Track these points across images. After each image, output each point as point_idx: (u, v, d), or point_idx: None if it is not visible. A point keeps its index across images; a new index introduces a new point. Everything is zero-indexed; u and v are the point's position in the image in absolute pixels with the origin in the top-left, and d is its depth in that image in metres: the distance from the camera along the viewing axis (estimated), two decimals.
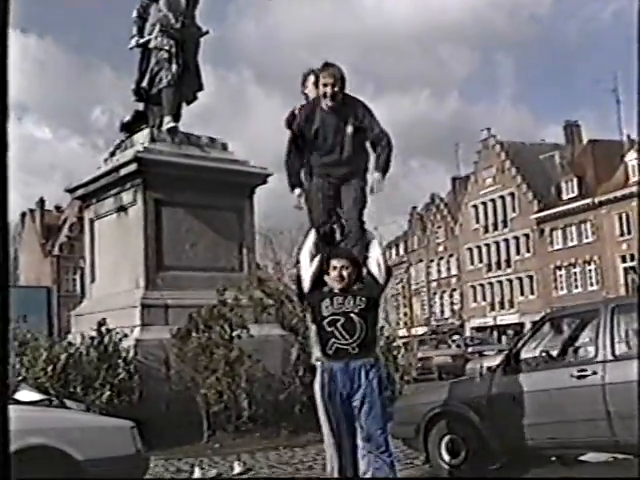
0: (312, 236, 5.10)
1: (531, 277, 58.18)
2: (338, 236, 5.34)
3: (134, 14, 10.54)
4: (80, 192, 10.97)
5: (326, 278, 4.70)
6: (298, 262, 5.16)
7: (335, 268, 4.61)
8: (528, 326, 49.75)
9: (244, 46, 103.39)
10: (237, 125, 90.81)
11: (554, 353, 6.71)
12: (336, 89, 5.27)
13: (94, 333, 8.47)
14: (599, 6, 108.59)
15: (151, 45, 10.20)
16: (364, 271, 4.80)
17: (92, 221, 10.81)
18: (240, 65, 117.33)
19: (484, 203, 62.91)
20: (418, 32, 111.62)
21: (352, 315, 4.54)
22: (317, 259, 4.90)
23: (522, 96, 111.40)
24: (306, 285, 4.79)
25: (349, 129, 5.34)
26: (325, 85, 5.28)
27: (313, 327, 4.96)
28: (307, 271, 4.85)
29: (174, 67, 10.02)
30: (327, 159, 5.38)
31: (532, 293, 57.55)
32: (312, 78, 5.95)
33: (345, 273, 4.60)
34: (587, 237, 53.01)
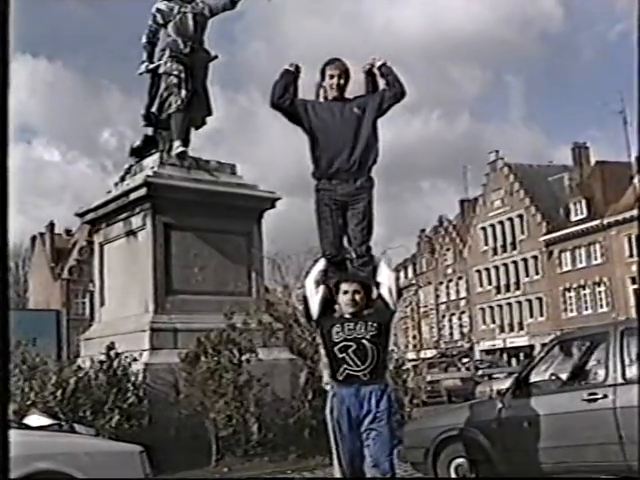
0: (321, 263, 5.09)
1: (540, 299, 57.94)
2: (348, 261, 5.34)
3: (143, 39, 10.63)
4: (90, 216, 11.00)
5: (337, 303, 4.67)
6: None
7: (346, 292, 4.58)
8: (538, 348, 49.50)
9: (253, 67, 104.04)
10: (246, 147, 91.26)
11: (564, 376, 6.67)
12: (342, 81, 5.37)
13: (103, 357, 8.47)
14: (607, 26, 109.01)
15: (161, 70, 10.28)
16: (374, 295, 4.77)
17: (102, 245, 10.85)
18: (249, 86, 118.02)
19: (493, 225, 62.83)
20: (429, 51, 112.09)
21: (364, 341, 4.50)
22: (324, 284, 4.88)
23: (532, 116, 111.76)
24: (315, 311, 4.76)
25: (356, 110, 5.36)
26: (332, 77, 5.36)
27: (322, 351, 4.94)
28: (313, 297, 4.83)
29: (183, 92, 10.10)
30: (336, 164, 5.34)
31: (542, 315, 57.29)
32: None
33: (357, 297, 4.56)
34: (596, 259, 52.79)
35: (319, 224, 5.32)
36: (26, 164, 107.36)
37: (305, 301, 5.02)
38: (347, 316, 4.56)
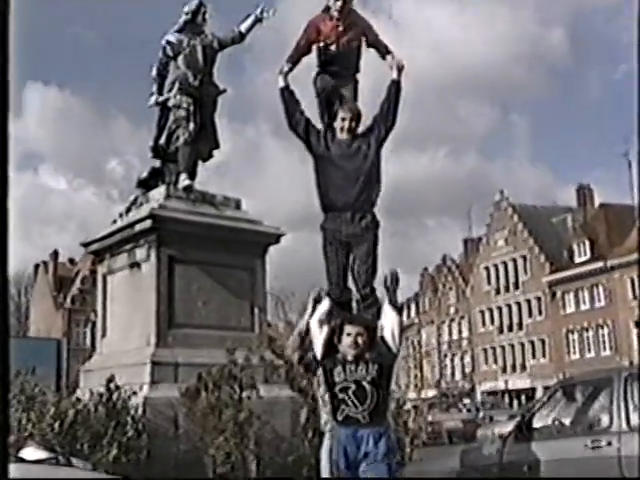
0: (326, 303, 5.09)
1: (543, 341, 57.73)
2: (352, 302, 5.37)
3: (153, 72, 10.71)
4: (95, 247, 10.98)
5: (339, 344, 4.66)
6: (307, 330, 5.13)
7: (349, 334, 4.58)
8: (540, 391, 49.13)
9: (262, 98, 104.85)
10: (252, 179, 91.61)
11: (567, 421, 6.62)
12: (353, 124, 5.57)
13: (103, 389, 8.41)
14: (612, 66, 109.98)
15: (170, 103, 10.34)
16: (378, 337, 4.77)
17: (105, 276, 10.83)
18: (257, 118, 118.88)
19: (496, 265, 62.80)
20: (437, 87, 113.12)
21: (364, 383, 4.49)
22: (328, 325, 4.88)
23: (538, 155, 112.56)
24: (318, 351, 4.76)
25: (363, 147, 5.58)
26: (343, 119, 5.58)
27: (321, 391, 4.92)
28: (317, 337, 4.82)
29: (191, 125, 10.15)
30: (342, 199, 5.46)
31: (544, 357, 57.02)
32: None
33: (360, 340, 4.56)
34: (600, 301, 52.69)
35: (325, 264, 5.37)
36: (32, 191, 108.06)
37: (301, 341, 5.01)
38: (349, 358, 4.55)
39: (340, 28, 6.47)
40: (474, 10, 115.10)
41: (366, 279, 5.23)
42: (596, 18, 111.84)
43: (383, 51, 6.46)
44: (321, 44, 6.53)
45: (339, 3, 6.33)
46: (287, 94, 5.85)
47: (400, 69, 5.97)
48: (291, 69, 6.28)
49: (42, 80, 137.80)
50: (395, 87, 5.88)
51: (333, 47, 6.51)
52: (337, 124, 5.66)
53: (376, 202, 5.53)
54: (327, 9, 6.48)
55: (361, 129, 5.75)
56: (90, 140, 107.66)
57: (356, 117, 5.66)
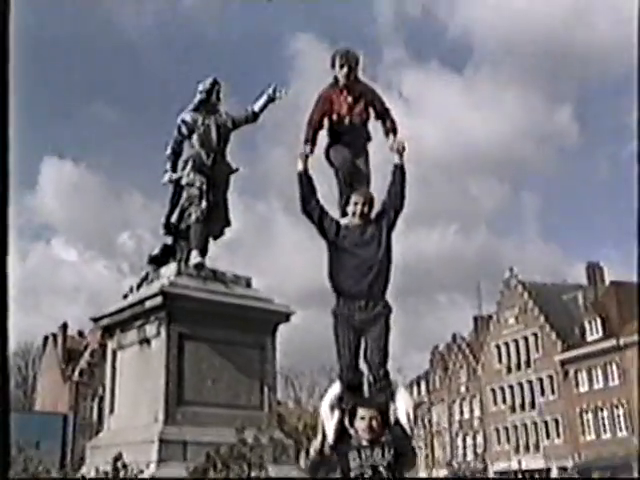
0: (337, 387, 5.06)
1: (557, 420, 56.75)
2: (365, 385, 5.34)
3: (168, 150, 10.91)
4: (105, 321, 10.99)
5: (353, 428, 4.60)
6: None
7: (363, 418, 4.52)
8: (555, 472, 48.02)
9: (274, 174, 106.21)
10: (263, 255, 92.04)
11: None
12: (366, 209, 5.62)
13: (109, 468, 8.30)
14: (620, 145, 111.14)
15: (183, 182, 10.49)
16: (392, 420, 4.72)
17: (115, 351, 10.81)
18: (269, 194, 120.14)
19: (507, 343, 62.28)
20: (446, 164, 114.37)
21: (381, 469, 4.43)
22: (339, 409, 4.84)
23: (548, 232, 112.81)
24: (330, 436, 4.70)
25: (376, 233, 5.63)
26: (356, 204, 5.64)
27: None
28: (329, 422, 4.77)
29: (204, 204, 10.27)
30: (355, 286, 5.48)
31: (558, 437, 55.93)
32: (338, 60, 6.58)
33: (374, 424, 4.50)
34: (614, 380, 51.95)
35: (337, 347, 5.35)
36: (43, 262, 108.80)
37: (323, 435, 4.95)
38: (364, 442, 4.49)
39: (349, 99, 6.60)
40: (483, 88, 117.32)
41: (379, 362, 5.21)
42: (603, 97, 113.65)
43: (388, 128, 6.56)
44: (333, 117, 6.64)
45: (345, 70, 6.48)
46: (305, 179, 5.91)
47: (401, 152, 6.05)
48: (312, 151, 6.36)
49: (58, 154, 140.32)
50: (399, 171, 5.95)
51: (346, 120, 6.63)
52: (350, 209, 5.74)
53: (386, 289, 5.55)
54: (336, 81, 6.63)
55: (373, 213, 5.81)
56: (103, 213, 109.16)
57: (369, 202, 5.74)
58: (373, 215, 5.79)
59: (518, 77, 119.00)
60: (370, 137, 6.89)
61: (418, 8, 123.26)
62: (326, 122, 6.67)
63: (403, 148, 6.11)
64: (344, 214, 5.98)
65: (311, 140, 6.45)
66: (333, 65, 6.61)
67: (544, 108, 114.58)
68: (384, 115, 6.66)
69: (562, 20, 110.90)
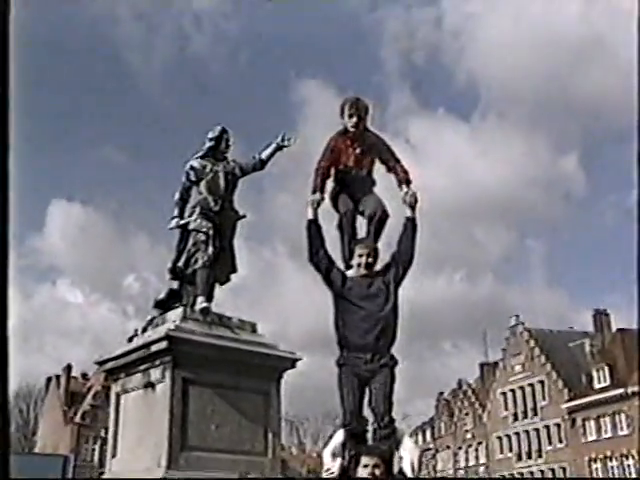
0: (340, 434, 5.09)
1: (564, 469, 56.05)
2: (369, 432, 5.36)
3: (176, 196, 11.02)
4: (109, 365, 10.95)
5: (356, 476, 4.62)
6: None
7: (366, 466, 4.53)
8: None
9: (279, 220, 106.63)
10: (267, 300, 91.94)
11: None
12: (370, 259, 5.65)
13: None
14: (625, 192, 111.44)
15: (190, 227, 10.59)
16: (396, 469, 4.73)
17: (118, 395, 10.79)
18: (274, 239, 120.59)
19: (513, 390, 61.82)
20: (453, 210, 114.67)
21: None
22: (341, 457, 4.85)
23: (555, 279, 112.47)
24: None
25: (382, 286, 5.65)
26: (360, 256, 5.67)
27: None
28: (332, 469, 4.79)
29: (210, 249, 10.35)
30: (361, 340, 5.52)
31: None
32: (347, 109, 6.55)
33: (377, 472, 4.51)
34: (622, 429, 51.41)
35: (340, 395, 5.38)
36: (49, 303, 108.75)
37: None
38: None
39: (358, 151, 6.61)
40: (489, 135, 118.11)
41: (383, 409, 5.23)
42: (607, 146, 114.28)
43: (401, 179, 6.51)
44: (340, 167, 6.67)
45: (354, 119, 6.51)
46: (314, 228, 5.93)
47: (413, 205, 6.06)
48: (322, 199, 6.37)
49: (66, 197, 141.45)
50: (411, 224, 5.97)
51: (353, 172, 6.66)
52: (354, 261, 5.80)
53: (393, 342, 5.57)
54: (345, 130, 6.66)
55: (380, 265, 5.86)
56: (109, 255, 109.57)
57: (373, 253, 5.79)
58: (381, 267, 5.84)
59: (524, 125, 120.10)
60: (375, 183, 6.94)
61: (424, 56, 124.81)
62: (333, 171, 6.72)
63: (415, 200, 6.09)
64: (348, 266, 6.03)
65: (320, 189, 6.47)
66: (342, 114, 6.63)
67: (550, 156, 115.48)
68: (395, 167, 6.64)
69: (566, 70, 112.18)
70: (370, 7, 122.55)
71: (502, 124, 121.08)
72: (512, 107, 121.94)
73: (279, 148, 10.74)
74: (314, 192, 6.31)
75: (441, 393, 72.95)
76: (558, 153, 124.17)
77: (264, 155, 10.85)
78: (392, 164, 6.61)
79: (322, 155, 6.66)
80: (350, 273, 5.82)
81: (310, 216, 5.98)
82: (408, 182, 6.40)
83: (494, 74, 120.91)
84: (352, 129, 6.55)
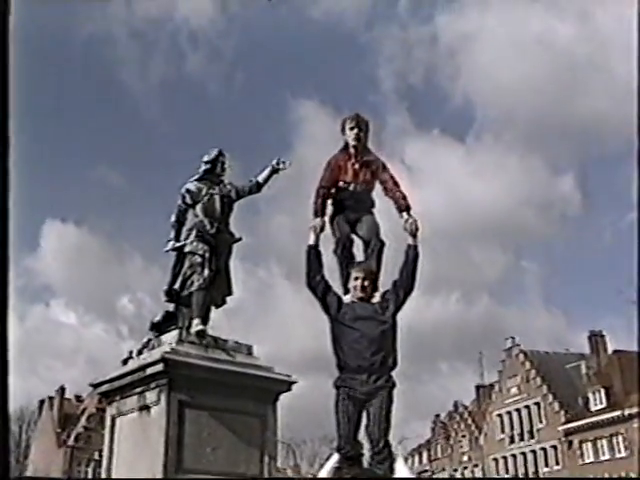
0: (335, 458, 5.13)
1: None
2: (364, 456, 5.40)
3: (172, 218, 11.10)
4: (104, 387, 10.93)
5: None
6: None
7: None
8: None
9: (275, 240, 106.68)
10: (263, 321, 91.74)
11: None
12: (366, 282, 5.70)
13: None
14: (622, 213, 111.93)
15: (186, 249, 10.65)
16: None
17: (113, 418, 10.78)
18: (270, 260, 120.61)
19: (509, 412, 61.70)
20: (448, 231, 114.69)
21: None
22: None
23: (551, 301, 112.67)
24: None
25: (379, 310, 5.70)
26: (356, 279, 5.74)
27: None
28: None
29: (206, 272, 10.40)
30: (358, 362, 5.56)
31: None
32: (348, 123, 6.62)
33: None
34: (620, 452, 51.25)
35: (336, 418, 5.42)
36: (42, 324, 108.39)
37: None
38: None
39: (357, 166, 6.65)
40: (484, 156, 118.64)
41: (379, 434, 5.25)
42: (603, 166, 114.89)
43: (400, 205, 6.53)
44: (340, 184, 6.71)
45: (355, 131, 6.58)
46: (314, 253, 5.99)
47: (414, 233, 6.10)
48: (324, 223, 6.40)
49: (61, 218, 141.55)
50: (412, 252, 6.02)
51: (350, 187, 6.68)
52: (350, 284, 5.86)
53: (394, 367, 5.60)
54: (346, 146, 6.73)
55: (380, 290, 5.92)
56: (103, 276, 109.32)
57: (369, 276, 5.86)
58: (381, 292, 5.90)
59: (519, 145, 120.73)
60: (374, 204, 6.97)
61: (419, 77, 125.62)
62: (334, 190, 6.76)
63: (417, 228, 6.12)
64: (346, 290, 6.10)
65: (321, 212, 6.48)
66: (343, 129, 6.73)
67: (546, 176, 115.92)
68: (394, 192, 6.66)
69: (563, 89, 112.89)
70: (366, 26, 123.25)
71: (498, 144, 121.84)
72: (508, 127, 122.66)
73: (275, 171, 10.84)
74: (315, 215, 6.33)
75: (437, 415, 72.77)
76: (554, 173, 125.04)
77: (260, 178, 10.95)
78: (390, 187, 6.63)
79: (322, 176, 6.70)
80: (347, 297, 5.90)
81: (311, 242, 6.03)
82: (408, 209, 6.41)
83: (490, 94, 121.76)
84: (354, 142, 6.62)
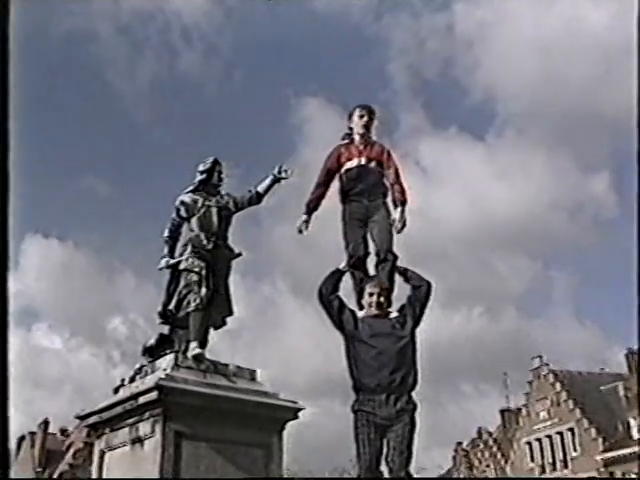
0: None
1: None
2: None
3: (165, 233, 11.23)
4: (93, 419, 10.95)
5: None
6: None
7: None
8: None
9: (279, 253, 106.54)
10: (267, 342, 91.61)
11: None
12: (382, 299, 5.85)
13: None
14: None
15: (181, 267, 10.74)
16: None
17: (103, 453, 10.80)
18: (274, 274, 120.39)
19: (539, 440, 61.29)
20: (469, 239, 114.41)
21: None
22: None
23: (584, 314, 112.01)
24: None
25: (397, 326, 5.84)
26: (371, 295, 5.89)
27: None
28: None
29: (203, 290, 10.48)
30: (376, 381, 5.68)
31: None
32: (357, 112, 6.94)
33: None
34: None
35: (356, 446, 5.53)
36: (23, 351, 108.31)
37: None
38: None
39: (361, 147, 6.89)
40: (506, 155, 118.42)
41: (400, 462, 5.36)
42: None
43: (396, 198, 6.93)
44: (342, 170, 6.96)
45: (365, 119, 6.87)
46: (337, 274, 6.23)
47: (399, 230, 6.35)
48: (309, 220, 6.72)
49: (42, 233, 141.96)
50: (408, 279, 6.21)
51: (355, 162, 6.91)
52: (365, 300, 5.99)
53: (414, 386, 5.72)
54: (348, 135, 6.97)
55: (395, 305, 6.06)
56: (91, 296, 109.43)
57: (384, 291, 5.98)
58: (397, 307, 6.04)
59: (546, 142, 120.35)
60: (387, 190, 7.12)
61: (434, 70, 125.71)
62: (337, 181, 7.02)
63: (403, 226, 6.40)
64: (360, 307, 6.23)
65: (311, 209, 6.95)
66: (350, 117, 6.98)
67: (576, 176, 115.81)
68: (393, 185, 6.94)
69: (594, 80, 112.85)
70: (375, 16, 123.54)
71: (522, 142, 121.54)
72: (532, 123, 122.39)
73: (277, 180, 10.84)
74: (305, 213, 6.66)
75: (459, 443, 72.41)
76: (586, 172, 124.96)
77: (260, 188, 10.97)
78: (392, 178, 6.88)
79: (320, 171, 7.10)
80: (361, 314, 6.02)
81: (340, 266, 6.29)
82: (404, 204, 6.68)
83: (512, 86, 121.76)
84: (361, 130, 6.89)
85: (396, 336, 5.79)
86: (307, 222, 7.08)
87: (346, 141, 7.12)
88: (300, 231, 7.06)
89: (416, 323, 5.92)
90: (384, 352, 5.68)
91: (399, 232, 6.45)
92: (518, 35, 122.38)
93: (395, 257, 6.69)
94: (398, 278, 6.46)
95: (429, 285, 6.12)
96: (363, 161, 6.90)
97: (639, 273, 3.56)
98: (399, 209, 6.65)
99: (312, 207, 7.19)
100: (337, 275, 6.22)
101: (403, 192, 6.75)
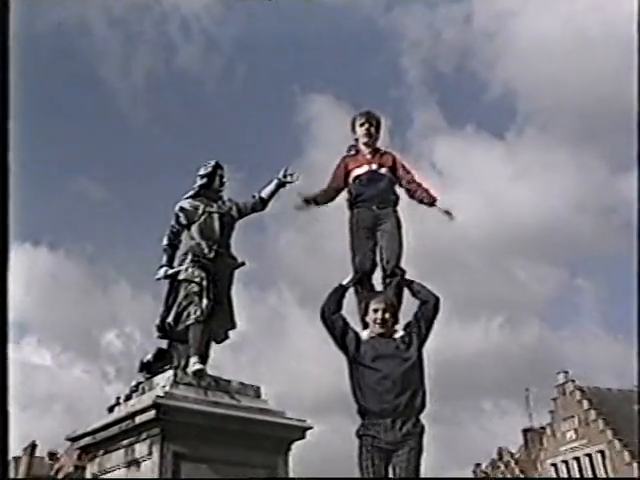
0: None
1: None
2: None
3: (164, 241, 11.25)
4: (85, 441, 10.95)
5: None
6: None
7: None
8: None
9: (284, 261, 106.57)
10: (272, 356, 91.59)
11: None
12: (387, 315, 5.91)
13: None
14: None
15: (181, 277, 10.77)
16: None
17: (96, 477, 10.80)
18: (279, 283, 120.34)
19: (566, 462, 60.87)
20: (488, 245, 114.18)
21: None
22: None
23: (613, 325, 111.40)
24: None
25: (402, 347, 5.91)
26: (376, 311, 5.95)
27: None
28: None
29: (204, 302, 10.51)
30: (382, 405, 5.75)
31: None
32: (357, 120, 7.10)
33: None
34: None
35: (360, 472, 5.61)
36: (10, 368, 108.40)
37: None
38: None
39: (368, 156, 7.00)
40: (527, 155, 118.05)
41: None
42: None
43: (425, 199, 7.23)
44: (351, 177, 7.07)
45: (365, 126, 7.03)
46: (340, 290, 6.29)
47: (449, 216, 6.48)
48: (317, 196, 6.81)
49: (31, 240, 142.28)
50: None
51: (365, 168, 7.03)
52: (369, 317, 6.06)
53: (422, 408, 5.79)
54: (353, 146, 7.09)
55: (402, 323, 6.13)
56: (84, 308, 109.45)
57: (390, 307, 6.05)
58: (402, 324, 6.10)
59: (570, 139, 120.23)
60: (399, 199, 7.24)
61: (450, 64, 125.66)
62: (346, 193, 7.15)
63: (450, 214, 6.58)
64: (365, 325, 6.30)
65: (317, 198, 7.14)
66: (353, 128, 7.11)
67: (605, 176, 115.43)
68: (417, 185, 7.08)
69: (622, 73, 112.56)
70: (386, 6, 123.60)
71: (544, 140, 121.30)
72: (555, 119, 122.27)
73: (281, 185, 10.90)
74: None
75: (478, 464, 72.13)
76: (614, 172, 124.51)
77: (264, 194, 11.04)
78: (413, 187, 7.05)
79: (328, 182, 7.27)
80: (365, 333, 6.09)
81: (343, 282, 6.37)
82: (433, 202, 6.92)
83: (533, 81, 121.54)
84: (364, 139, 7.01)
85: (401, 358, 5.85)
86: (301, 207, 7.24)
87: (352, 152, 7.23)
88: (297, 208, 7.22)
89: (422, 342, 5.99)
90: (388, 376, 5.75)
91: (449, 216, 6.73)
92: (541, 26, 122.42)
93: (403, 272, 6.76)
94: (406, 292, 6.54)
95: (437, 300, 6.19)
96: (374, 167, 7.01)
97: (639, 273, 3.63)
98: (438, 205, 6.88)
99: (313, 197, 7.32)
100: (340, 292, 6.29)
101: (428, 192, 6.92)
